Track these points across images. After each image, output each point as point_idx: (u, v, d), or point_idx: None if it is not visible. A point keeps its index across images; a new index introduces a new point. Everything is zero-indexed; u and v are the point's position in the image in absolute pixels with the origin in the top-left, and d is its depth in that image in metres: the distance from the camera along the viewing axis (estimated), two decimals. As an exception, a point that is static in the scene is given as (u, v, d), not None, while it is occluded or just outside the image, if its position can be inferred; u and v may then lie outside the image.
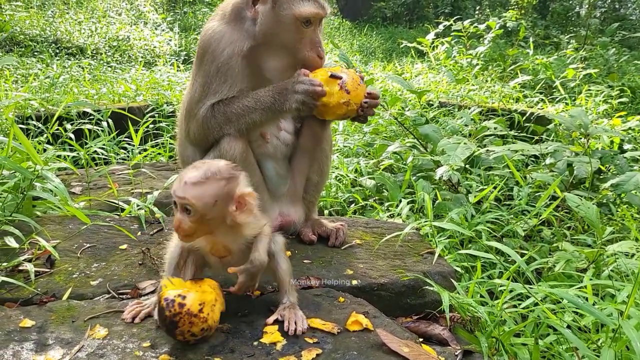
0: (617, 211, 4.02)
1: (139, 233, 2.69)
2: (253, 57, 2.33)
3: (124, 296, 2.10)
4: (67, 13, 13.32)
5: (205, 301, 1.75)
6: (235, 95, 2.31)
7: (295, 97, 2.20)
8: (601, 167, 4.32)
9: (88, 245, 2.51)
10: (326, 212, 4.00)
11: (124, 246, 2.54)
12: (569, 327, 2.32)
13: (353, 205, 4.14)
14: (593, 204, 3.62)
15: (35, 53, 10.17)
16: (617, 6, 17.60)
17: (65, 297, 2.06)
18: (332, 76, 2.20)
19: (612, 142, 5.18)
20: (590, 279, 2.72)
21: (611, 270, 2.91)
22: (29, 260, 2.24)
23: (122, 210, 3.12)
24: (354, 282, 2.27)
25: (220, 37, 2.31)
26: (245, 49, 2.30)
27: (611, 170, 4.46)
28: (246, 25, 2.32)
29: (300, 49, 2.31)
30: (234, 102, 2.30)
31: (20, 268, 2.21)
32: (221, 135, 2.32)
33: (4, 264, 2.18)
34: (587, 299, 2.53)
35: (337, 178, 4.45)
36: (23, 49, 10.27)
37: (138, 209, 3.02)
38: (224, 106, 2.31)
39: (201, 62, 2.36)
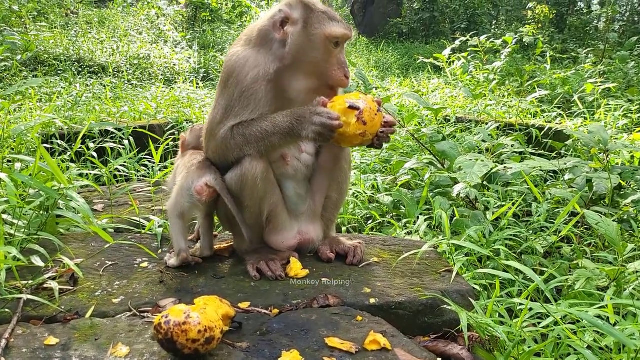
0: (639, 227, 3.97)
1: (160, 251, 2.74)
2: (279, 79, 2.38)
3: (145, 314, 2.14)
4: (90, 33, 13.63)
5: (190, 309, 1.80)
6: (255, 118, 2.36)
7: (312, 127, 2.22)
8: (621, 182, 4.27)
9: (110, 263, 2.57)
10: (344, 229, 4.02)
11: (145, 264, 2.58)
12: (589, 347, 2.29)
13: (370, 222, 4.14)
14: (613, 220, 3.58)
15: (59, 72, 10.42)
16: (636, 19, 17.45)
17: (88, 315, 2.10)
18: (351, 107, 2.22)
19: (632, 157, 5.13)
20: (612, 298, 2.69)
21: (633, 288, 2.87)
22: (53, 279, 2.29)
23: (144, 227, 3.17)
24: (372, 300, 2.27)
25: (244, 62, 2.37)
26: (272, 72, 2.35)
27: (632, 186, 4.41)
28: (273, 49, 2.37)
29: (328, 68, 2.36)
30: (253, 125, 2.35)
31: (45, 286, 2.26)
32: (241, 155, 2.37)
33: (30, 282, 2.23)
34: (608, 319, 2.51)
35: (355, 195, 4.47)
36: (47, 68, 10.53)
37: (158, 227, 3.07)
38: (243, 128, 2.36)
39: (225, 86, 2.41)
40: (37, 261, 2.32)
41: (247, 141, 2.35)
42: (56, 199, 2.62)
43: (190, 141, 2.78)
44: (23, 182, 2.82)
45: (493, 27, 19.18)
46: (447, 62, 10.22)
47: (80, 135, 3.46)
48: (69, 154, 4.65)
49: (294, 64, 2.36)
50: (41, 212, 2.76)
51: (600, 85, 8.27)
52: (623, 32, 15.51)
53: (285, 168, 2.56)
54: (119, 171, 4.83)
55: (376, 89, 10.27)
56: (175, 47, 14.44)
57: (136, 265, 2.57)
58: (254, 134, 2.34)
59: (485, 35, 10.26)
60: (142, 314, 2.14)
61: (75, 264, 2.34)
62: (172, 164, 5.44)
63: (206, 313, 1.81)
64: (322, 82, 2.39)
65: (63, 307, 2.13)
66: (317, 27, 2.31)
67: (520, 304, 2.55)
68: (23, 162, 3.24)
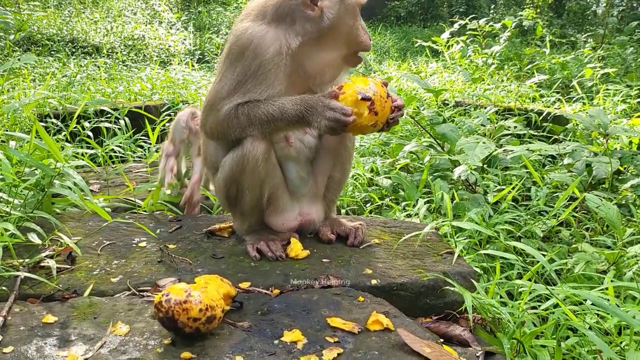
0: (638, 212, 3.96)
1: (158, 231, 2.70)
2: (298, 55, 2.33)
3: (144, 293, 2.11)
4: (84, 12, 13.44)
5: (191, 288, 1.77)
6: (262, 100, 2.29)
7: (324, 122, 2.18)
8: (620, 167, 4.26)
9: (108, 242, 2.53)
10: (343, 211, 3.99)
11: (143, 243, 2.55)
12: (590, 328, 2.29)
13: (369, 204, 4.12)
14: (613, 204, 3.57)
15: (52, 52, 10.28)
16: (635, 4, 17.36)
17: (86, 293, 2.07)
18: (363, 99, 2.18)
19: (631, 142, 5.11)
20: (612, 281, 2.68)
21: (633, 272, 2.86)
22: (51, 257, 2.25)
23: (140, 207, 3.13)
24: (374, 281, 2.25)
25: (263, 35, 2.30)
26: (294, 47, 2.30)
27: (630, 171, 4.40)
28: (296, 25, 2.31)
29: (357, 34, 2.39)
30: (259, 107, 2.28)
31: (42, 264, 2.22)
32: (243, 136, 2.32)
33: (27, 260, 2.20)
34: (608, 301, 2.50)
35: (354, 177, 4.44)
36: (40, 48, 10.39)
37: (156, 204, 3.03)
38: (248, 109, 2.29)
39: (238, 58, 2.32)
40: (34, 238, 2.29)
41: (251, 122, 2.30)
42: (52, 177, 2.58)
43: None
44: (19, 160, 2.77)
45: (491, 10, 19.05)
46: (445, 45, 10.14)
47: (76, 115, 3.38)
48: (64, 133, 4.60)
49: (323, 37, 2.33)
50: (37, 191, 2.71)
51: (599, 71, 8.23)
52: (622, 18, 15.44)
53: (288, 149, 2.52)
54: (115, 152, 4.77)
55: (374, 73, 10.19)
56: (170, 28, 14.26)
57: (134, 245, 2.54)
58: (259, 116, 2.28)
59: (484, 19, 10.17)
60: (141, 293, 2.11)
61: (72, 242, 2.31)
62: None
63: (207, 292, 1.79)
64: (350, 50, 2.42)
65: (61, 286, 2.10)
66: None
67: (522, 287, 2.55)
68: (18, 140, 3.19)
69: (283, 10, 2.32)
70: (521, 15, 11.02)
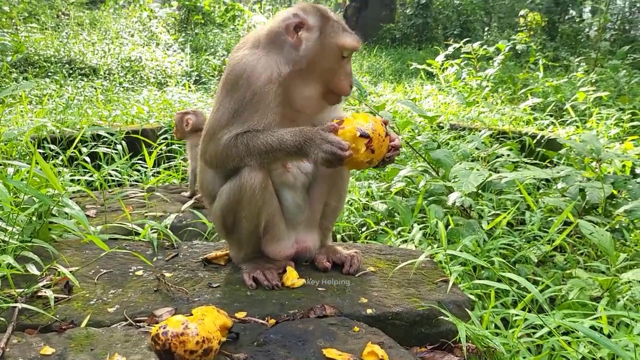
0: (631, 237, 4.00)
1: (155, 259, 2.72)
2: (288, 84, 2.35)
3: (141, 324, 2.12)
4: (81, 34, 13.55)
5: (188, 320, 1.79)
6: (261, 130, 2.32)
7: (321, 154, 2.20)
8: (614, 192, 4.30)
9: (105, 271, 2.54)
10: (339, 236, 4.01)
11: (140, 272, 2.56)
12: (583, 358, 2.30)
13: (365, 229, 4.14)
14: (606, 229, 3.60)
15: (49, 74, 10.34)
16: (627, 27, 17.65)
17: (83, 324, 2.08)
18: (362, 136, 2.20)
19: (624, 166, 5.17)
20: (605, 308, 2.70)
21: (626, 299, 2.89)
22: (48, 287, 2.26)
23: (137, 234, 3.15)
24: (369, 310, 2.27)
25: (255, 63, 2.33)
26: (284, 75, 2.33)
27: (623, 195, 4.44)
28: (284, 51, 2.34)
29: (335, 77, 2.38)
30: (258, 137, 2.30)
31: (39, 294, 2.23)
32: (241, 165, 2.34)
33: (25, 290, 2.21)
34: (601, 329, 2.52)
35: (349, 202, 4.47)
36: (37, 70, 10.44)
37: (152, 232, 3.04)
38: (247, 139, 2.31)
39: (233, 88, 2.35)
40: (33, 269, 2.30)
41: (250, 152, 2.32)
42: (52, 207, 2.60)
43: (196, 123, 3.28)
44: (16, 188, 2.79)
45: (485, 33, 19.33)
46: (440, 68, 10.26)
47: (76, 142, 3.43)
48: (61, 158, 4.62)
49: (304, 69, 2.34)
50: (34, 219, 2.73)
51: (592, 94, 8.34)
52: (614, 40, 15.66)
53: (285, 176, 2.54)
54: (111, 175, 4.79)
55: (369, 95, 10.29)
56: (167, 49, 14.38)
57: (131, 273, 2.55)
58: (258, 146, 2.30)
59: (478, 42, 10.32)
60: (137, 324, 2.12)
61: (69, 272, 2.32)
62: (165, 169, 5.45)
63: (204, 324, 1.80)
64: (327, 89, 2.41)
65: (58, 316, 2.11)
66: (332, 36, 2.33)
67: (516, 315, 2.56)
68: (15, 166, 3.20)
69: (275, 36, 2.36)
70: (514, 39, 11.19)
